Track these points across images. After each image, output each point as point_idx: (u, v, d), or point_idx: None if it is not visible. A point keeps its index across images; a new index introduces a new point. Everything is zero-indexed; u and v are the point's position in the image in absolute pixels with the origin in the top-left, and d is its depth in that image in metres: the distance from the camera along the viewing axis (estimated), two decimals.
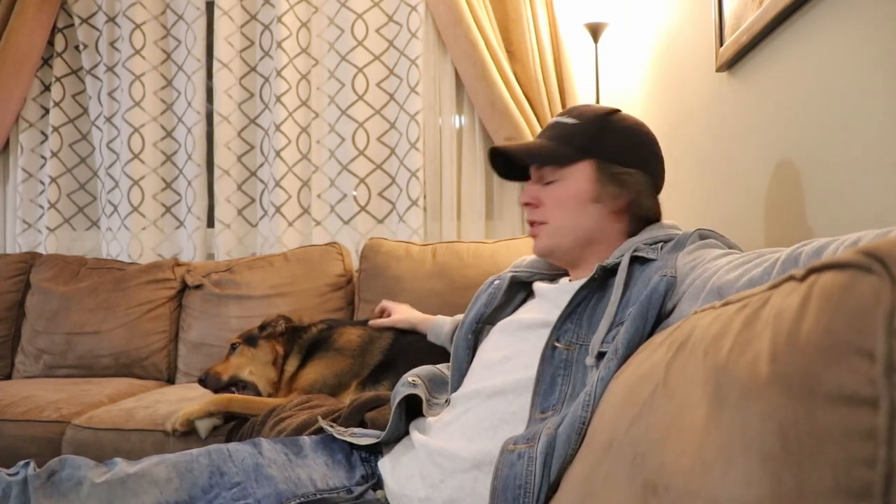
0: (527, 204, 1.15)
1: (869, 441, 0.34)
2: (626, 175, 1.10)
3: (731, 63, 1.42)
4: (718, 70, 1.48)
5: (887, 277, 0.35)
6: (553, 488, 0.83)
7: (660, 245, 1.02)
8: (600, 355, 0.91)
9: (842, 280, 0.37)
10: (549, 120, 1.27)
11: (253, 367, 1.81)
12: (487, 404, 1.04)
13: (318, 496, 1.08)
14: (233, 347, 1.85)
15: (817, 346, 0.37)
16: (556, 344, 0.98)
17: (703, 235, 0.99)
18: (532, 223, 1.16)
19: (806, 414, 0.37)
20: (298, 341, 1.83)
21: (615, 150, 1.11)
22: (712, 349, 0.51)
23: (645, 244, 1.03)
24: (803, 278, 0.42)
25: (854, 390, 0.35)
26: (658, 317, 0.89)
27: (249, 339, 1.84)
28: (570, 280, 1.17)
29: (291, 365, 1.80)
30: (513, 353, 1.09)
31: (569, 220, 1.11)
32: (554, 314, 1.02)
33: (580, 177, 1.10)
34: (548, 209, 1.13)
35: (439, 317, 1.68)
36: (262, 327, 1.86)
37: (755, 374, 0.42)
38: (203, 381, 1.81)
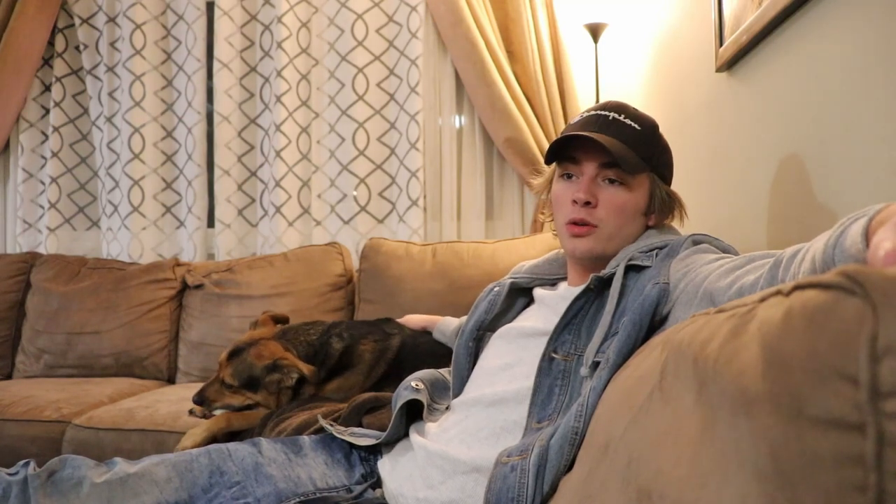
0: (580, 203, 1.07)
1: (858, 467, 0.34)
2: (664, 192, 1.12)
3: (731, 63, 1.42)
4: (718, 70, 1.48)
5: (869, 302, 0.35)
6: (546, 499, 0.84)
7: (654, 252, 1.02)
8: (594, 365, 0.91)
9: (825, 300, 0.37)
10: (590, 111, 1.13)
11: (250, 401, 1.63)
12: (488, 412, 1.04)
13: (318, 495, 1.09)
14: (228, 387, 1.60)
15: (802, 367, 0.37)
16: (554, 355, 0.98)
17: (696, 241, 0.99)
18: (581, 223, 1.08)
19: (796, 436, 0.37)
20: (320, 370, 1.65)
21: (663, 167, 1.13)
22: (701, 356, 0.51)
23: (640, 252, 1.03)
24: (789, 293, 0.42)
25: (841, 415, 0.35)
26: (652, 324, 0.89)
27: (251, 382, 1.58)
28: (568, 285, 1.17)
29: (308, 391, 1.66)
30: (513, 360, 1.09)
31: (622, 229, 1.08)
32: (553, 321, 1.02)
33: (639, 188, 1.09)
34: (603, 212, 1.07)
35: (448, 317, 1.69)
36: (272, 368, 1.58)
37: (743, 389, 0.42)
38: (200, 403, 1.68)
